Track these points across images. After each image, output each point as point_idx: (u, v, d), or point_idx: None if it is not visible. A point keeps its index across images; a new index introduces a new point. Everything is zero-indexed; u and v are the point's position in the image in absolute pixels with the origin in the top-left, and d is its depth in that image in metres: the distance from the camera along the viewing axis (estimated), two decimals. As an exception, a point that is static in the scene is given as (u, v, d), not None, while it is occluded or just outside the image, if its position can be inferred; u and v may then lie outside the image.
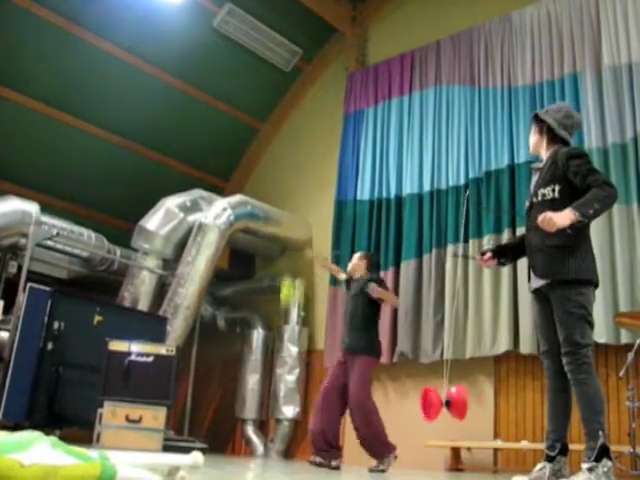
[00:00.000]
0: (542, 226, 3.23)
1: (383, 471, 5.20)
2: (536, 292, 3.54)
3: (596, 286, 3.46)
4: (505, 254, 3.93)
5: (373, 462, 5.38)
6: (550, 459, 3.37)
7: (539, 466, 3.38)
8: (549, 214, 3.20)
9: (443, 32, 8.08)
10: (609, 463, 3.13)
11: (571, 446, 3.48)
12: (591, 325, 3.39)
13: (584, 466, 3.13)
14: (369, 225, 7.99)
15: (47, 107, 8.21)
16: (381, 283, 5.76)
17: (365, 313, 5.63)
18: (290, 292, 6.38)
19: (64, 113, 8.36)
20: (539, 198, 3.52)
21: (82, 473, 1.55)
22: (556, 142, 3.62)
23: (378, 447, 5.36)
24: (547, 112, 3.69)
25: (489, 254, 3.86)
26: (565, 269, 3.35)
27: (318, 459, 5.26)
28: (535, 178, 3.64)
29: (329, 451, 5.33)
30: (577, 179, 3.37)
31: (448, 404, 3.46)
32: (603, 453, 3.13)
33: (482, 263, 3.95)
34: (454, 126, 7.59)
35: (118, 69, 8.40)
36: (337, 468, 5.27)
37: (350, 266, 5.88)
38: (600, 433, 3.16)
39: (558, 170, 3.47)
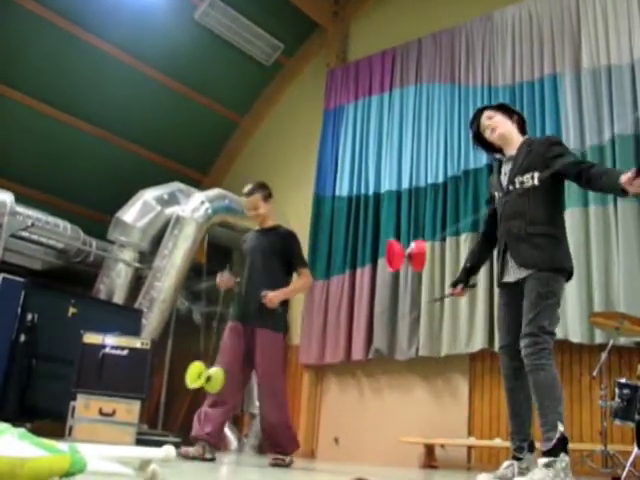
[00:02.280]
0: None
1: (289, 465, 4.51)
2: (509, 284, 3.42)
3: (570, 277, 3.38)
4: (473, 273, 3.87)
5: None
6: (518, 458, 3.32)
7: (506, 464, 3.32)
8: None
9: (425, 30, 8.09)
10: (567, 458, 3.01)
11: (537, 443, 3.38)
12: (558, 317, 3.30)
13: (541, 461, 3.01)
14: (347, 221, 7.99)
15: (23, 96, 8.11)
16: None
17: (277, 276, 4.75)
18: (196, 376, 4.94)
19: (41, 102, 8.26)
20: (517, 186, 3.42)
21: (50, 465, 1.52)
22: (520, 134, 3.61)
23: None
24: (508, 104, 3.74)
25: (460, 286, 3.80)
26: (549, 257, 3.26)
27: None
28: (507, 167, 3.53)
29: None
30: (568, 167, 3.26)
31: (410, 257, 3.47)
32: (561, 446, 3.01)
33: (457, 295, 3.93)
34: (434, 124, 7.61)
35: (98, 61, 8.32)
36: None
37: (257, 219, 4.88)
38: (559, 424, 3.04)
39: (538, 156, 3.38)
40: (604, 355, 5.03)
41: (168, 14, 8.35)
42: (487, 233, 3.77)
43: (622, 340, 5.45)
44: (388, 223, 7.56)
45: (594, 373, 5.04)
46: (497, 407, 6.52)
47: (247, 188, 4.89)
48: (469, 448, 6.53)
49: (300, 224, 8.56)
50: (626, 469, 4.47)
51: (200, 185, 9.49)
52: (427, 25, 8.11)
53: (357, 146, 8.27)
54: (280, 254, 4.74)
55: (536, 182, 3.36)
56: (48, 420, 6.33)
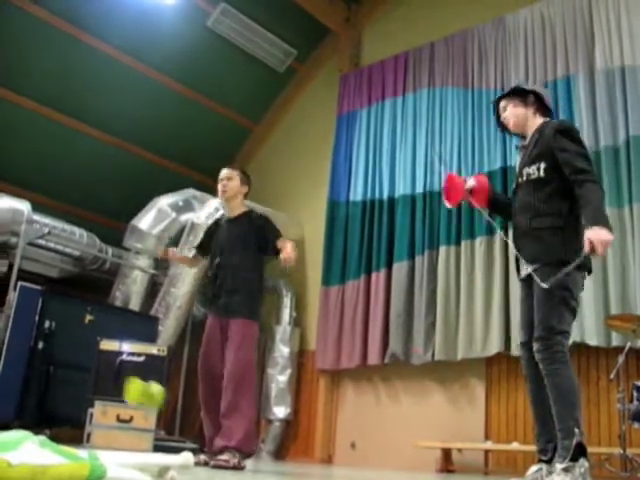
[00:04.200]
0: (600, 254, 2.98)
1: (235, 467, 4.12)
2: (524, 280, 3.31)
3: (589, 272, 3.22)
4: (497, 203, 3.63)
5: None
6: (545, 461, 3.15)
7: (535, 468, 3.16)
8: (595, 240, 2.93)
9: (437, 34, 8.09)
10: (586, 463, 2.90)
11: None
12: (572, 311, 3.11)
13: (559, 466, 2.90)
14: (361, 226, 7.99)
15: (39, 105, 8.17)
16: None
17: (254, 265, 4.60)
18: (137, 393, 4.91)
19: (56, 112, 8.31)
20: (524, 178, 3.30)
21: (70, 473, 1.54)
22: (541, 114, 3.43)
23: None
24: (523, 84, 3.57)
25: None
26: (553, 251, 3.12)
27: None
28: (520, 157, 3.41)
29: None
30: (565, 167, 3.14)
31: (471, 191, 3.24)
32: (580, 452, 2.89)
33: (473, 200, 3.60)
34: (447, 128, 7.60)
35: (112, 68, 8.37)
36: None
37: (223, 194, 4.71)
38: (576, 430, 2.91)
39: (544, 146, 3.23)
40: (621, 358, 5.01)
41: (180, 21, 8.39)
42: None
43: (639, 343, 5.42)
44: (403, 227, 7.55)
45: (611, 376, 5.01)
46: (514, 411, 6.49)
47: (230, 165, 4.90)
48: (486, 452, 6.50)
49: (315, 229, 8.60)
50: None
51: (214, 192, 9.47)
52: (439, 29, 8.10)
53: (371, 151, 8.27)
54: (254, 242, 4.56)
55: (542, 174, 3.23)
56: (66, 427, 6.37)
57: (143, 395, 4.15)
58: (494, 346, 6.49)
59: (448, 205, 3.69)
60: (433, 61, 8.02)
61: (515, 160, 6.83)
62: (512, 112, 3.47)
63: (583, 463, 2.90)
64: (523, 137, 3.51)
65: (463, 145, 7.38)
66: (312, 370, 8.10)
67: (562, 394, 3.00)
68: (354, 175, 8.34)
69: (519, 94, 3.50)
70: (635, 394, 4.86)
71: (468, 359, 6.72)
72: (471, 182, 3.50)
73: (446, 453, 6.35)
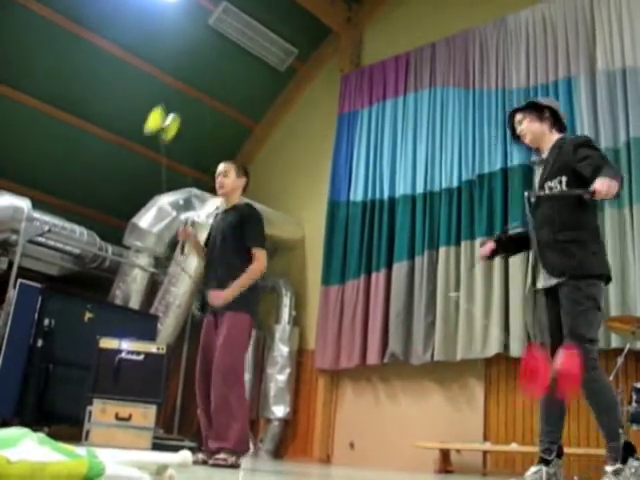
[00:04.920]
0: (603, 196, 2.99)
1: (232, 466, 4.12)
2: (548, 289, 3.36)
3: (608, 280, 3.32)
4: (510, 247, 3.75)
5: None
6: (546, 462, 3.21)
7: (534, 469, 3.21)
8: (598, 186, 2.96)
9: (438, 34, 8.09)
10: (635, 463, 2.95)
11: (566, 449, 3.37)
12: (599, 319, 3.23)
13: (609, 469, 2.95)
14: (362, 226, 7.99)
15: (40, 103, 8.17)
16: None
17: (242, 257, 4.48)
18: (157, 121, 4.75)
19: (58, 109, 8.31)
20: (546, 191, 3.35)
21: (69, 470, 1.54)
22: (557, 130, 3.49)
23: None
24: (538, 99, 3.63)
25: (491, 245, 3.64)
26: (577, 264, 3.19)
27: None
28: (539, 171, 3.46)
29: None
30: (586, 168, 3.18)
31: (558, 376, 2.85)
32: (628, 453, 2.96)
33: (483, 254, 3.71)
34: (448, 128, 7.60)
35: (113, 66, 8.37)
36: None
37: (220, 189, 4.71)
38: (620, 431, 2.99)
39: (565, 160, 3.30)
40: (620, 360, 5.01)
41: (182, 19, 8.39)
42: (526, 233, 3.62)
43: (638, 344, 5.42)
44: (403, 228, 7.55)
45: (610, 378, 5.00)
46: (513, 412, 6.50)
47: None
48: (485, 453, 6.51)
49: (315, 229, 8.60)
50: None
51: (215, 191, 9.49)
52: (441, 29, 8.10)
53: (371, 151, 8.27)
54: (238, 233, 4.47)
55: (564, 187, 3.28)
56: (65, 425, 6.37)
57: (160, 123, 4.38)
58: (493, 347, 6.49)
59: (526, 394, 3.57)
60: (434, 61, 8.02)
61: (514, 160, 6.86)
62: (528, 127, 3.52)
63: (632, 463, 2.95)
64: (537, 150, 3.59)
65: (464, 146, 7.37)
66: (311, 369, 8.10)
67: (602, 400, 3.08)
68: (354, 175, 8.34)
69: (535, 108, 3.54)
70: (634, 396, 4.86)
71: (467, 360, 6.73)
72: (558, 363, 2.98)
73: (444, 454, 6.36)
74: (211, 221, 4.93)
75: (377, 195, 7.99)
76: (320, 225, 8.41)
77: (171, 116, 4.48)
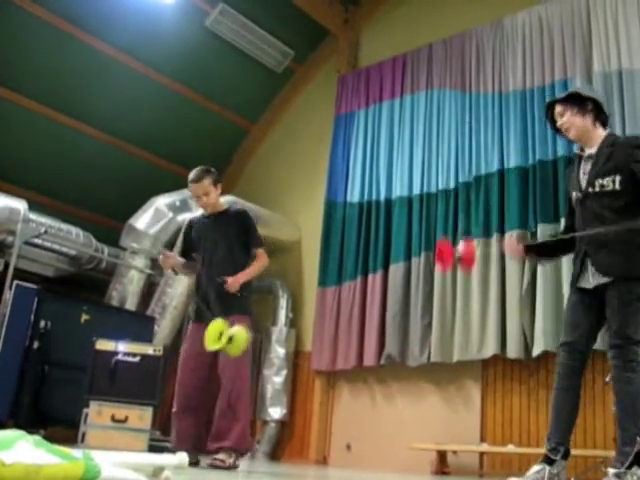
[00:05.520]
0: None
1: (230, 467, 4.18)
2: (590, 291, 3.28)
3: None
4: (546, 252, 3.68)
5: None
6: (550, 462, 3.15)
7: (536, 468, 3.15)
8: None
9: (435, 36, 8.09)
10: (639, 471, 2.92)
11: (573, 451, 3.30)
12: None
13: (611, 471, 2.94)
14: (358, 227, 7.99)
15: (36, 104, 8.15)
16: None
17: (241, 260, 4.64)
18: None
19: (54, 110, 8.29)
20: (596, 189, 3.27)
21: (65, 473, 1.54)
22: (600, 124, 3.41)
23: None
24: (580, 90, 3.49)
25: (524, 241, 3.67)
26: (632, 264, 3.14)
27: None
28: (587, 166, 3.37)
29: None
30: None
31: (460, 259, 3.47)
32: (636, 460, 2.93)
33: (513, 249, 3.71)
34: (445, 130, 7.60)
35: (109, 67, 8.35)
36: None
37: (206, 208, 4.73)
38: (638, 439, 2.94)
39: (620, 159, 3.23)
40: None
41: (178, 21, 8.38)
42: (569, 229, 3.56)
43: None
44: (399, 229, 7.55)
45: (607, 379, 5.00)
46: (509, 413, 6.50)
47: (194, 174, 4.64)
48: (481, 454, 6.50)
49: (312, 230, 8.60)
50: None
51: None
52: (437, 31, 8.11)
53: (368, 152, 8.27)
54: (238, 236, 4.60)
55: (617, 186, 3.22)
56: (61, 427, 6.36)
57: (225, 340, 3.95)
58: (490, 348, 6.48)
59: (439, 270, 3.90)
60: (431, 63, 8.03)
61: (510, 162, 6.85)
62: (571, 121, 3.40)
63: (636, 471, 2.93)
64: (576, 143, 3.55)
65: (460, 147, 7.38)
66: (308, 371, 8.10)
67: (631, 402, 3.04)
68: (351, 176, 8.34)
69: (576, 100, 3.43)
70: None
71: (464, 361, 6.72)
72: (459, 250, 3.66)
73: (441, 455, 6.35)
74: (184, 228, 4.91)
75: (374, 196, 7.99)
76: (317, 226, 8.41)
77: (235, 328, 3.95)
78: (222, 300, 4.41)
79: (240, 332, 3.90)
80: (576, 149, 3.62)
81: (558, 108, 3.46)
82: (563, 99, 3.48)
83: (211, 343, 3.93)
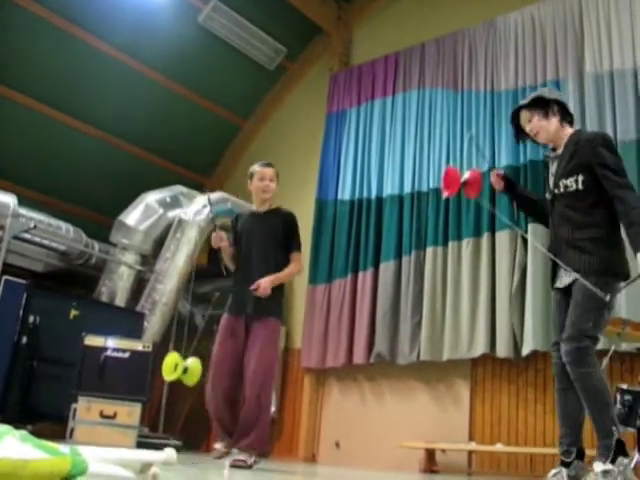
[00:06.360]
0: None
1: (251, 466, 4.25)
2: (563, 290, 3.33)
3: (626, 278, 3.26)
4: (520, 196, 3.75)
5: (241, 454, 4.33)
6: (566, 464, 3.17)
7: (554, 471, 3.19)
8: None
9: (428, 35, 8.10)
10: (625, 460, 2.93)
11: (588, 451, 3.31)
12: (605, 320, 3.20)
13: (598, 468, 2.93)
14: (349, 225, 7.99)
15: (27, 98, 8.12)
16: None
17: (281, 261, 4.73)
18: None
19: (46, 106, 8.27)
20: (561, 190, 3.31)
21: (52, 468, 1.53)
22: (567, 123, 3.44)
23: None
24: (544, 93, 3.51)
25: (500, 173, 3.67)
26: (597, 261, 3.16)
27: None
28: (553, 168, 3.41)
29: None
30: (605, 181, 3.18)
31: (465, 183, 3.43)
32: (619, 450, 2.93)
33: (494, 179, 3.69)
34: (436, 128, 7.61)
35: (98, 62, 8.32)
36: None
37: (266, 194, 4.80)
38: (613, 429, 2.97)
39: (582, 158, 3.25)
40: (605, 361, 4.99)
41: (171, 17, 8.36)
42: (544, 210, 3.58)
43: (624, 346, 5.44)
44: (390, 227, 7.55)
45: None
46: (498, 412, 6.52)
47: (266, 162, 4.90)
48: (470, 453, 6.52)
49: (302, 227, 8.52)
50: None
51: (202, 188, 9.50)
52: (430, 30, 8.11)
53: (360, 150, 8.27)
54: (281, 237, 4.70)
55: (580, 186, 3.25)
56: (49, 422, 6.33)
57: (180, 371, 4.24)
58: (480, 347, 6.50)
59: (445, 194, 3.73)
60: (423, 62, 8.03)
61: (502, 161, 6.87)
62: (539, 125, 3.44)
63: (622, 461, 2.93)
64: (545, 145, 3.55)
65: (452, 146, 7.39)
66: (297, 368, 8.09)
67: (595, 396, 3.05)
68: (342, 174, 8.34)
69: (541, 104, 3.46)
70: (618, 397, 4.87)
71: (454, 360, 6.74)
72: (465, 175, 3.62)
73: (430, 453, 6.36)
74: (231, 220, 5.04)
75: (365, 194, 8.00)
76: (307, 224, 8.38)
77: (190, 360, 4.39)
78: (258, 302, 4.51)
79: (194, 364, 4.26)
80: (547, 152, 3.64)
81: (525, 114, 3.51)
82: (528, 105, 3.51)
83: (167, 374, 4.28)
